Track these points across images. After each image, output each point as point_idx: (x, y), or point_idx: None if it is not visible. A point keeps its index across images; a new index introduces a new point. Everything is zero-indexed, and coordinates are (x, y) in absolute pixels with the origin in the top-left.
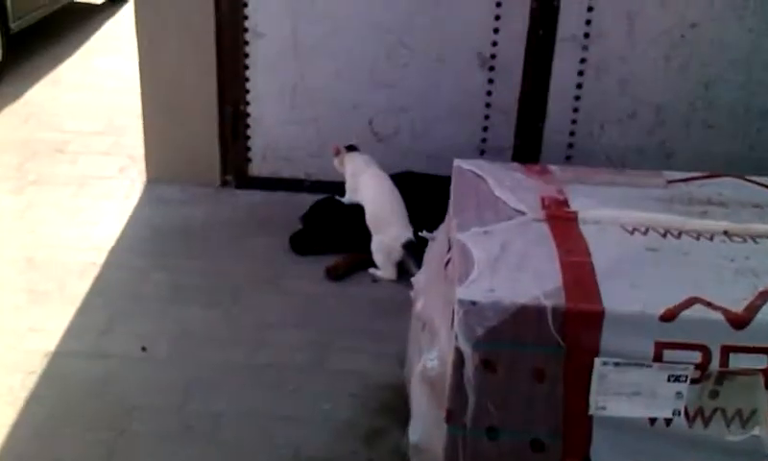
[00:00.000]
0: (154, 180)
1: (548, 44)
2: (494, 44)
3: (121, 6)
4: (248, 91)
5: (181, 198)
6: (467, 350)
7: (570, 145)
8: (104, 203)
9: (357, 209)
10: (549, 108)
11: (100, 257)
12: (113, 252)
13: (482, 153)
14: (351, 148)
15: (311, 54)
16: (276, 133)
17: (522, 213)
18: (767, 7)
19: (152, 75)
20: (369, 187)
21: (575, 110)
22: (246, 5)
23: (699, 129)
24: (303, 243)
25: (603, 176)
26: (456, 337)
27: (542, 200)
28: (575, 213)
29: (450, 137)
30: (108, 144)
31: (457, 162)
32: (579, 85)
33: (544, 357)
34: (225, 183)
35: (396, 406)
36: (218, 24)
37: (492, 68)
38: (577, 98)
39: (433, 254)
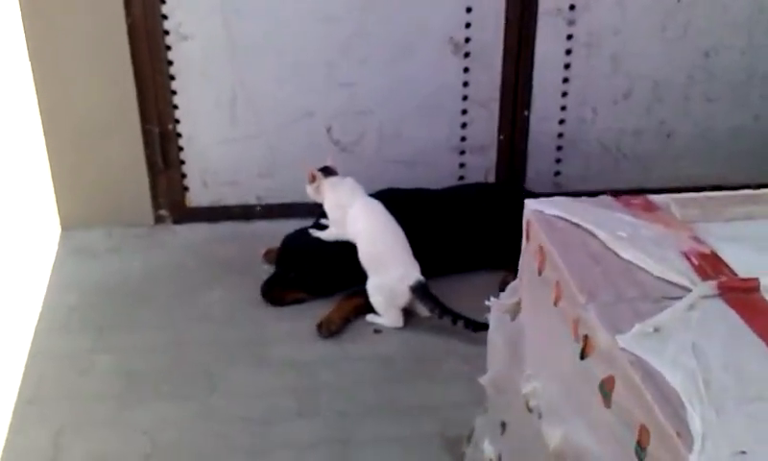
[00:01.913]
0: (70, 226)
1: (529, 20)
2: (468, 26)
3: None
4: (176, 107)
5: (109, 245)
6: None
7: (560, 135)
8: (10, 265)
9: (343, 243)
10: (534, 94)
11: (21, 345)
12: (37, 333)
13: (462, 153)
14: (328, 172)
15: (251, 55)
16: (215, 153)
17: (682, 288)
18: None
19: (53, 98)
20: (360, 220)
21: (564, 95)
22: (164, 1)
23: (699, 103)
24: (280, 291)
25: (732, 207)
26: None
27: (687, 258)
28: (755, 281)
29: (424, 139)
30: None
31: (531, 206)
32: (567, 66)
33: None
34: (159, 220)
35: None
36: (131, 27)
37: (467, 54)
38: (566, 80)
39: (529, 345)
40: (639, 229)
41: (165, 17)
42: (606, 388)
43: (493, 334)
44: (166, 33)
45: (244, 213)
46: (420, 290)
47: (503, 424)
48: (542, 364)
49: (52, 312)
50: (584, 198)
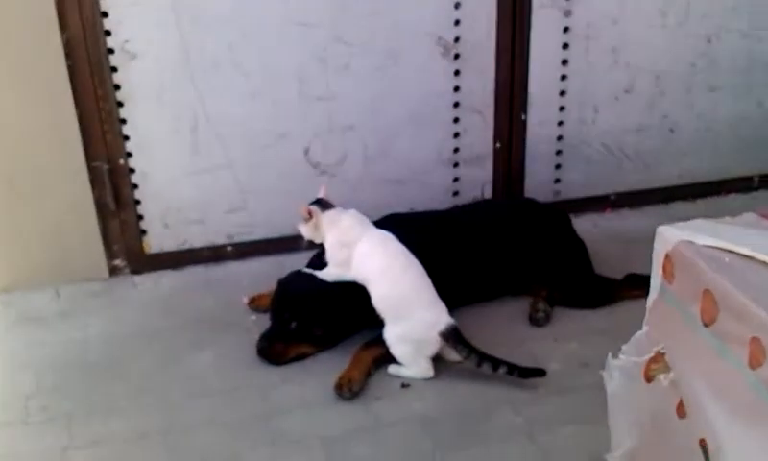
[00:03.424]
0: (9, 288)
1: (523, 15)
2: (457, 23)
3: None
4: (127, 138)
5: (59, 308)
6: None
7: (560, 137)
8: None
9: (349, 282)
10: (531, 95)
11: None
12: None
13: (456, 165)
14: (323, 205)
15: (213, 72)
16: (176, 189)
17: None
18: None
19: None
20: (373, 259)
21: (562, 93)
22: (106, 15)
23: (702, 93)
24: (283, 347)
25: None
26: None
27: None
28: None
29: (413, 154)
30: None
31: (673, 235)
32: (564, 61)
33: None
34: (115, 271)
35: None
36: (68, 47)
37: (457, 56)
38: (563, 77)
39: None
40: None
41: (108, 33)
42: None
43: (618, 400)
44: (111, 51)
45: (213, 255)
46: (452, 336)
47: None
48: (749, 454)
49: (5, 403)
50: (725, 218)
